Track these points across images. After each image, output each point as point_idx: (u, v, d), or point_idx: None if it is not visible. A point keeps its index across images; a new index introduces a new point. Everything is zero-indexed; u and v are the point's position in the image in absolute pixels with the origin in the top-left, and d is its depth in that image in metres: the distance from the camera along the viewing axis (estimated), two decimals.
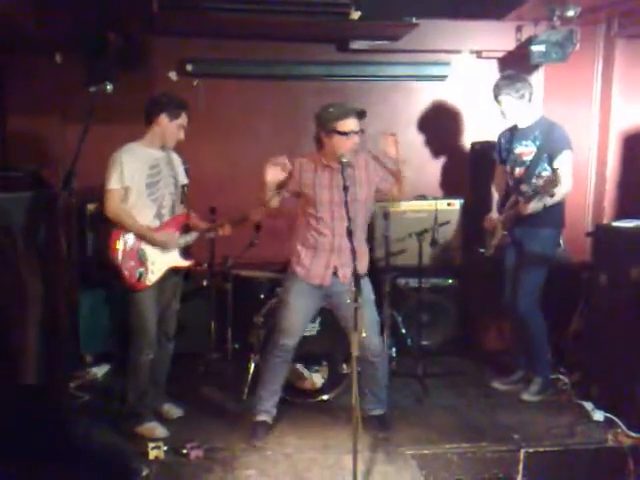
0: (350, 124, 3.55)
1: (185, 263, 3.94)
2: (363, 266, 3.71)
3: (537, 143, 4.24)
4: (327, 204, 3.64)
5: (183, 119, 3.79)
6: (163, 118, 3.73)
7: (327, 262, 3.69)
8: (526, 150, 4.29)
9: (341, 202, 3.48)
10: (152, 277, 3.75)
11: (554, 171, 3.92)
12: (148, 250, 3.75)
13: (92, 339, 4.82)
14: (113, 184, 3.65)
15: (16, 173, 4.54)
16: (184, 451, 3.54)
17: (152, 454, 3.48)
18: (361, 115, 3.60)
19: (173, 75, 5.18)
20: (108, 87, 3.55)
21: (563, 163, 4.14)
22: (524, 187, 4.25)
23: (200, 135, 5.12)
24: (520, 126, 4.34)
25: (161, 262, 3.79)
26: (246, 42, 5.15)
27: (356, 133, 3.57)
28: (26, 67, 4.98)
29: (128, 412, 3.85)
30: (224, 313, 4.79)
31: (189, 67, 5.12)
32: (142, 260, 3.73)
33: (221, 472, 3.43)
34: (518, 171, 4.34)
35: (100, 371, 4.71)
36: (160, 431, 3.79)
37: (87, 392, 4.36)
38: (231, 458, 3.57)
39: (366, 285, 3.67)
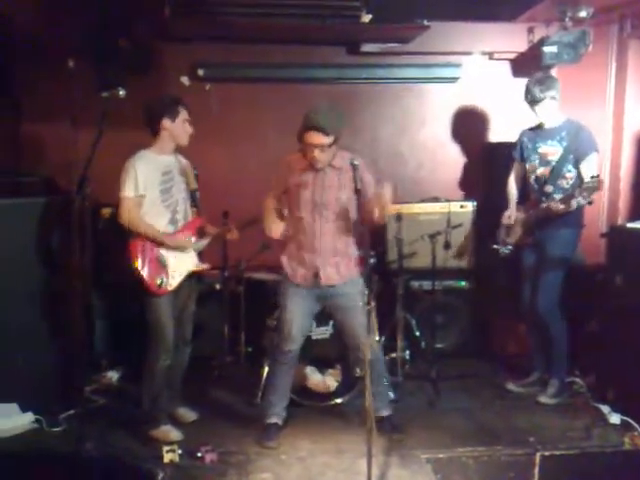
0: (309, 137, 3.50)
1: (203, 266, 3.97)
2: (351, 269, 3.73)
3: (564, 144, 4.22)
4: (309, 204, 3.65)
5: (184, 114, 3.80)
6: (165, 122, 3.76)
7: (309, 263, 3.70)
8: (551, 150, 4.27)
9: (323, 202, 3.60)
10: (173, 282, 3.77)
11: (596, 177, 3.85)
12: (167, 255, 3.76)
13: (107, 343, 4.84)
14: (127, 192, 3.67)
15: (30, 179, 4.57)
16: (199, 455, 3.54)
17: (167, 457, 3.49)
18: (313, 129, 3.47)
19: (185, 80, 5.17)
20: (121, 92, 3.56)
21: (591, 165, 4.11)
22: (549, 188, 4.24)
23: (212, 139, 5.17)
24: (547, 126, 4.31)
25: (181, 267, 3.81)
26: (257, 46, 5.17)
27: (316, 147, 3.51)
28: (39, 73, 5.01)
29: (143, 416, 3.86)
30: (237, 316, 4.80)
31: (201, 72, 5.14)
32: (163, 266, 3.74)
33: (236, 476, 3.43)
34: (541, 171, 4.32)
35: (115, 375, 4.72)
36: (175, 434, 3.79)
37: (103, 396, 4.38)
38: (245, 462, 3.57)
39: (354, 289, 3.67)
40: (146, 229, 3.70)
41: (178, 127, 3.78)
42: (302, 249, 3.72)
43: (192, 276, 3.94)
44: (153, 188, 3.72)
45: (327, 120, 3.48)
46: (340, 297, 3.72)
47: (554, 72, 5.31)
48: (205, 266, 3.99)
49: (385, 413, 3.91)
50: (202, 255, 4.05)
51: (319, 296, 3.76)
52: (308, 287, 3.72)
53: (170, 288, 3.75)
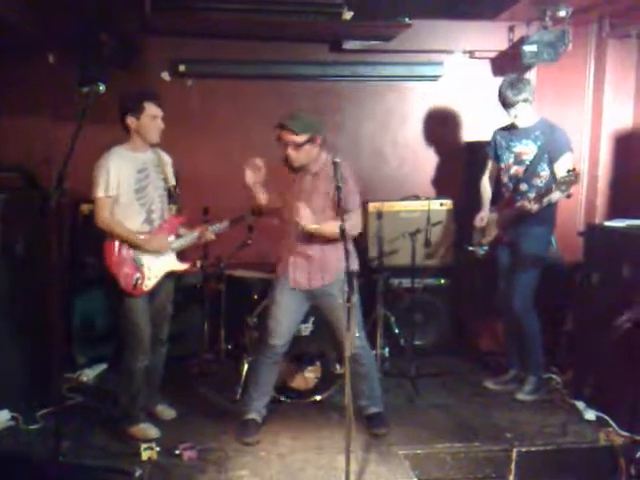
0: (281, 134, 3.59)
1: (182, 266, 3.91)
2: (337, 269, 3.65)
3: (538, 143, 4.24)
4: (288, 208, 3.68)
5: (150, 109, 3.69)
6: (130, 119, 3.68)
7: (294, 265, 3.74)
8: (526, 149, 4.29)
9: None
10: (149, 282, 3.73)
11: (573, 171, 3.88)
12: (143, 256, 3.71)
13: (86, 341, 4.81)
14: (99, 192, 3.62)
15: (8, 173, 4.52)
16: (177, 452, 3.54)
17: (145, 455, 3.48)
18: (282, 127, 3.56)
19: (166, 76, 5.18)
20: (101, 87, 3.52)
21: (565, 166, 4.14)
22: (524, 187, 4.27)
23: (193, 135, 5.16)
24: (520, 125, 4.34)
25: (157, 267, 3.76)
26: (239, 42, 5.15)
27: (286, 144, 3.57)
28: (19, 67, 4.96)
29: (121, 414, 3.85)
30: (217, 314, 4.79)
31: (182, 67, 5.12)
32: (138, 266, 3.69)
33: (214, 473, 3.43)
34: (515, 169, 4.35)
35: (93, 373, 4.69)
36: (152, 432, 3.78)
37: (80, 394, 4.35)
38: (224, 459, 3.58)
39: (339, 288, 3.58)
40: (121, 231, 3.65)
41: (144, 124, 3.69)
42: (290, 251, 3.76)
43: (170, 276, 3.90)
44: (128, 186, 3.66)
45: (296, 120, 3.57)
46: (327, 297, 3.73)
47: (534, 71, 5.40)
48: (185, 266, 3.93)
49: (376, 410, 3.94)
50: (185, 254, 4.03)
51: (308, 296, 3.79)
52: (297, 287, 3.75)
53: (146, 289, 3.71)
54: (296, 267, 3.74)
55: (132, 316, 3.70)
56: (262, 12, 4.64)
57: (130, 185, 3.67)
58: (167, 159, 3.94)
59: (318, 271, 3.72)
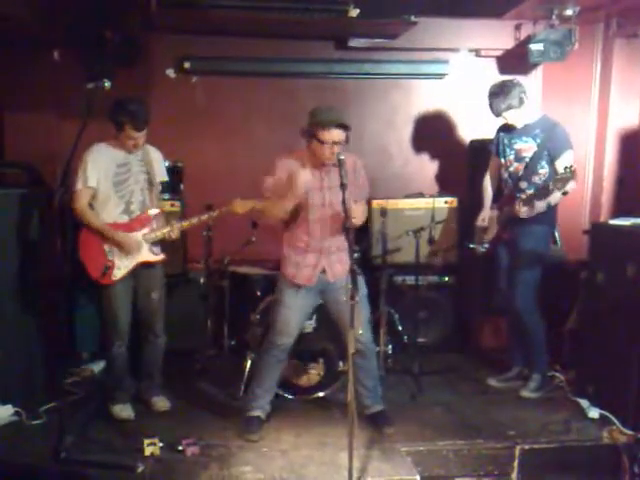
0: (330, 135, 3.50)
1: (155, 258, 3.98)
2: (345, 266, 3.59)
3: (538, 141, 4.23)
4: (319, 206, 3.64)
5: (129, 132, 3.75)
6: (113, 123, 3.80)
7: (316, 263, 3.71)
8: (526, 146, 4.28)
9: (332, 203, 3.60)
10: (118, 272, 3.83)
11: (569, 168, 3.87)
12: (114, 246, 3.83)
13: (88, 337, 4.82)
14: (78, 184, 3.78)
15: (13, 169, 4.54)
16: (180, 448, 3.54)
17: (148, 451, 3.48)
18: (345, 128, 3.52)
19: (171, 72, 5.19)
20: (106, 84, 3.57)
21: (565, 162, 4.13)
22: (523, 184, 4.26)
23: (198, 132, 5.18)
24: (518, 126, 4.32)
25: (128, 257, 3.86)
26: (244, 39, 5.16)
27: (336, 144, 3.52)
28: (24, 64, 4.98)
29: (107, 395, 4.01)
30: (221, 310, 4.80)
31: (187, 64, 5.13)
32: (108, 256, 3.81)
33: (217, 469, 3.43)
34: (515, 166, 4.34)
35: (97, 367, 4.70)
36: (125, 414, 3.93)
37: (84, 389, 4.36)
38: (227, 455, 3.58)
39: (360, 279, 3.66)
40: (93, 221, 3.79)
41: (120, 137, 3.80)
42: (308, 250, 3.70)
43: (152, 267, 3.97)
44: (106, 179, 3.80)
45: (344, 116, 3.56)
46: (340, 290, 3.67)
47: (540, 69, 5.39)
48: (158, 257, 3.99)
49: (379, 408, 3.94)
50: (163, 245, 4.05)
51: (321, 290, 3.77)
52: (312, 285, 3.72)
53: (115, 278, 3.82)
54: (324, 262, 3.70)
55: (107, 303, 3.87)
56: (267, 9, 4.65)
57: (108, 178, 3.81)
58: (156, 155, 4.03)
59: (345, 261, 3.57)
